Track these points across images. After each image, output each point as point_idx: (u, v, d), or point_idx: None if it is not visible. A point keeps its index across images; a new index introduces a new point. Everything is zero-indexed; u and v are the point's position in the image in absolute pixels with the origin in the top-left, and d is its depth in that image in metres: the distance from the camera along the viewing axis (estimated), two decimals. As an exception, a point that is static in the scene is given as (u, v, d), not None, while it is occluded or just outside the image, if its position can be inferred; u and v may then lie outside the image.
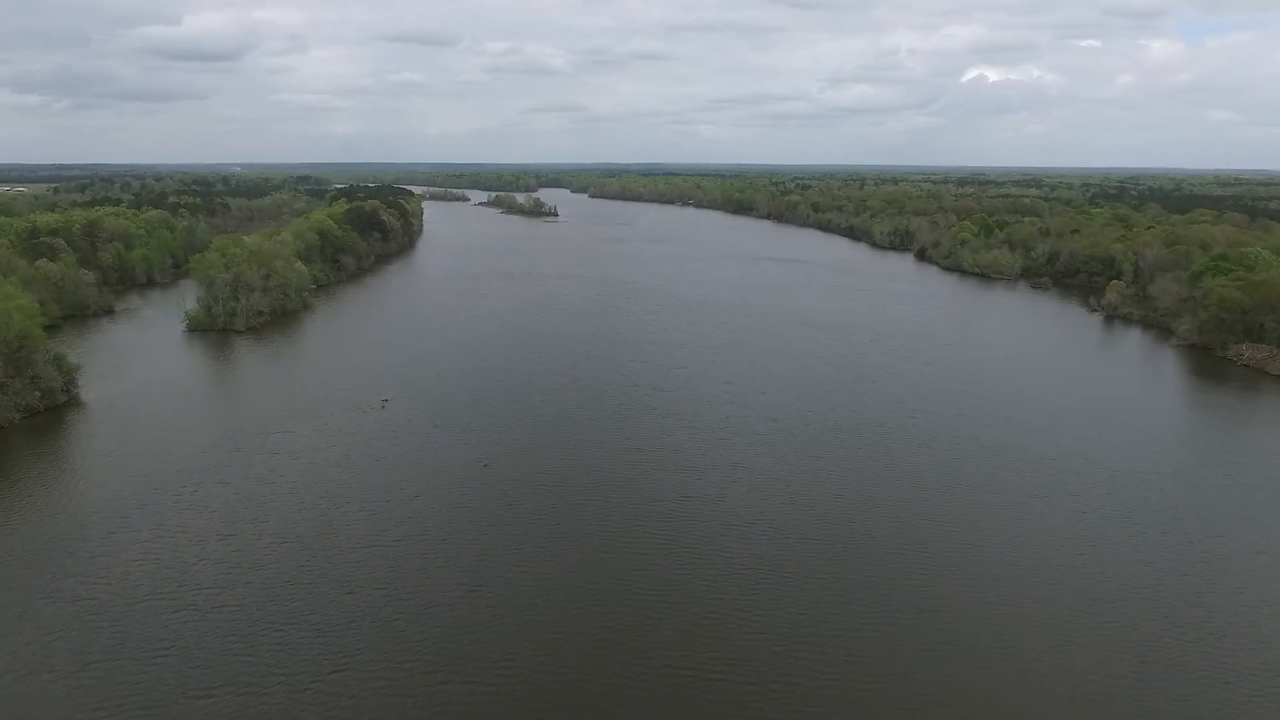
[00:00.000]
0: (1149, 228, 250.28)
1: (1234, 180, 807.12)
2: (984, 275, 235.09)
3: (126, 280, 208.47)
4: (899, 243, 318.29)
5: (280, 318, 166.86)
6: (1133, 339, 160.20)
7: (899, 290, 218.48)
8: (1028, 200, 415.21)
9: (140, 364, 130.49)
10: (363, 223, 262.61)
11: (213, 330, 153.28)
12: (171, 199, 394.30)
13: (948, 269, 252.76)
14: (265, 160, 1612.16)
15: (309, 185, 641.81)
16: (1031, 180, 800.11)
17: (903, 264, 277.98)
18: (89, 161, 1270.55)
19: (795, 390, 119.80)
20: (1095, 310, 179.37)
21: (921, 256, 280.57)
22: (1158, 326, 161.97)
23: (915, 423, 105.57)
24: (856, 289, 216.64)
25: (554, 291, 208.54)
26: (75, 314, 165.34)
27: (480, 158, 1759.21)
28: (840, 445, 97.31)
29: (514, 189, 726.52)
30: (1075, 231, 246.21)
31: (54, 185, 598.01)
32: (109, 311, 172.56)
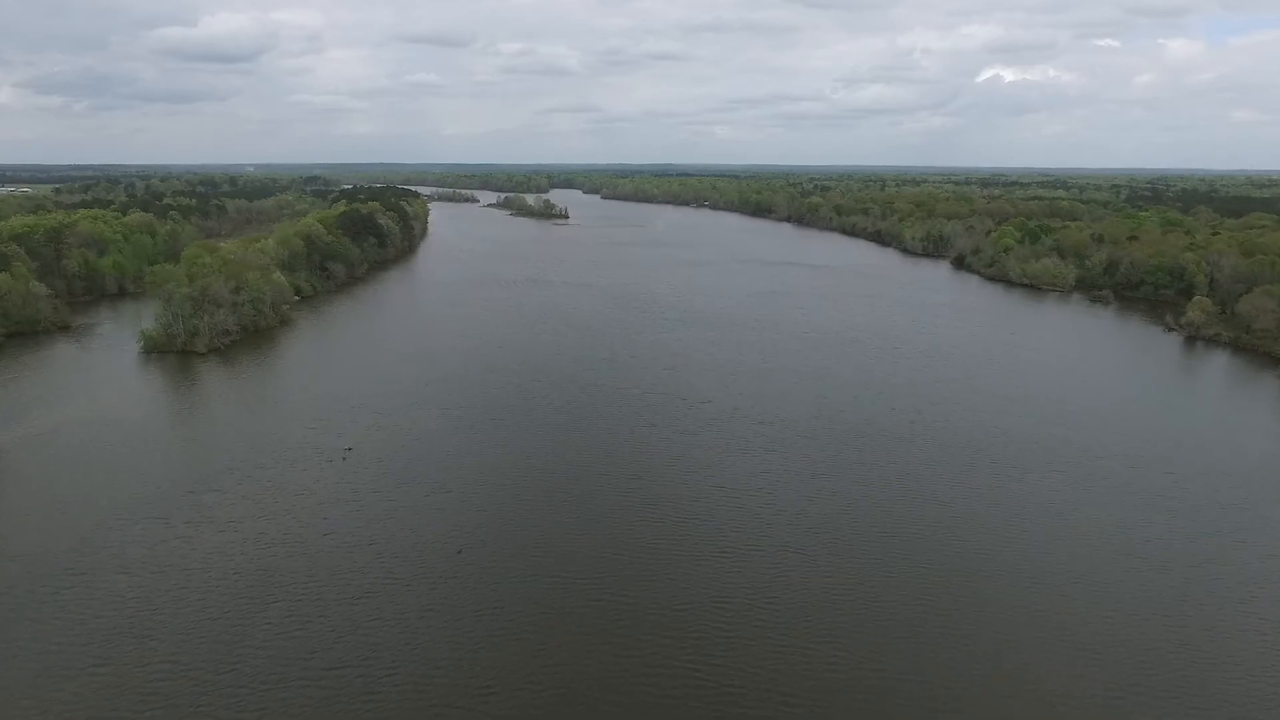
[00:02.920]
0: (1214, 234, 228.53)
1: (1268, 181, 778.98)
2: (1033, 286, 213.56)
3: (95, 290, 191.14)
4: (932, 249, 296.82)
5: (252, 336, 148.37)
6: (1227, 366, 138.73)
7: (941, 303, 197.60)
8: (1065, 203, 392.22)
9: (75, 395, 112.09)
10: (357, 227, 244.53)
11: (171, 352, 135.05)
12: (166, 200, 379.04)
13: (991, 279, 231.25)
14: (284, 161, 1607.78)
15: (317, 186, 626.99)
16: (1056, 181, 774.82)
17: (939, 272, 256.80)
18: (110, 163, 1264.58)
19: (845, 434, 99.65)
20: (1173, 329, 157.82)
21: (960, 264, 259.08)
22: (1252, 351, 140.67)
23: (1003, 485, 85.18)
24: (894, 301, 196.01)
25: (561, 303, 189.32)
26: (25, 330, 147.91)
27: (496, 158, 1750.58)
28: (916, 521, 77.06)
29: (525, 190, 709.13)
30: (1133, 238, 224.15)
31: (57, 186, 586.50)
32: (64, 328, 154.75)
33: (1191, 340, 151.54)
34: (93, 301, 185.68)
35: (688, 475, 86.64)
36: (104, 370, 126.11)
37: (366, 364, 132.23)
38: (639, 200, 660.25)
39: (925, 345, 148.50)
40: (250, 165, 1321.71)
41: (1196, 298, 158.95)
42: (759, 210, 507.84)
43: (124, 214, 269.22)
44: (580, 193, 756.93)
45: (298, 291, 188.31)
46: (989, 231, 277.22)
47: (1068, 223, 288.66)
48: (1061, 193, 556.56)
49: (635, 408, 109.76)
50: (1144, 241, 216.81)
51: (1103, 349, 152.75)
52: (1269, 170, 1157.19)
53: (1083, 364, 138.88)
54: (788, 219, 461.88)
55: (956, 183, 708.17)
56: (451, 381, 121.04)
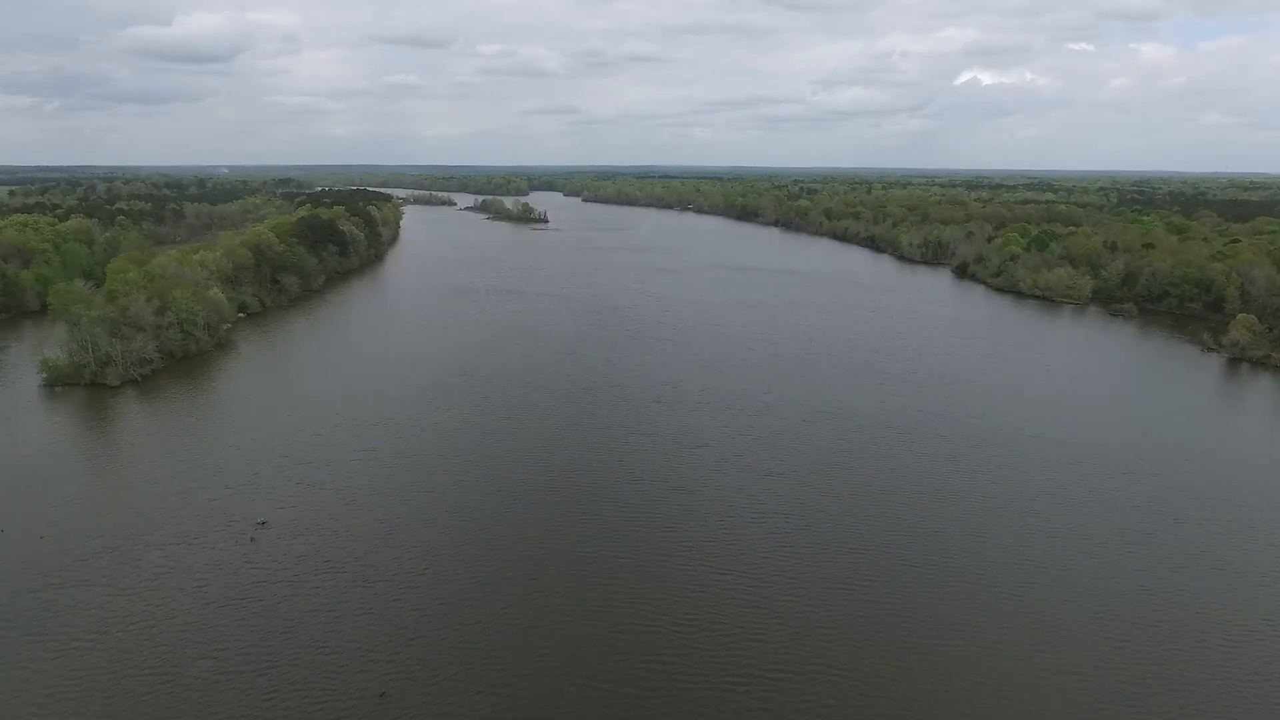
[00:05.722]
0: (1233, 241, 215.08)
1: (1251, 184, 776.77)
2: (1046, 298, 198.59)
3: (14, 307, 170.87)
4: (930, 256, 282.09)
5: (180, 364, 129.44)
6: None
7: (950, 318, 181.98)
8: (1063, 207, 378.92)
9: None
10: (316, 234, 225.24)
11: (79, 384, 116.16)
12: (118, 204, 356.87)
13: (999, 289, 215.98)
14: (263, 162, 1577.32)
15: (290, 189, 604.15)
16: (1041, 184, 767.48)
17: (941, 282, 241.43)
18: (81, 164, 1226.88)
19: (872, 492, 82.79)
20: (1212, 349, 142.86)
21: (963, 273, 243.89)
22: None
23: (1074, 564, 68.47)
24: (900, 316, 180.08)
25: (536, 319, 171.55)
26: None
27: (476, 160, 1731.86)
28: (980, 616, 60.22)
29: (504, 192, 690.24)
30: (1148, 246, 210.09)
31: (13, 189, 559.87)
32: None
33: (1235, 362, 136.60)
34: (9, 320, 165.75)
35: (685, 553, 69.44)
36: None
37: (304, 399, 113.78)
38: (621, 203, 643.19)
39: (944, 371, 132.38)
40: (225, 167, 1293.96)
41: (1240, 315, 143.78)
42: (745, 214, 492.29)
43: (63, 220, 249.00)
44: (561, 195, 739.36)
45: (243, 308, 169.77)
46: (991, 238, 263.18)
47: (1072, 228, 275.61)
48: (1050, 195, 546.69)
49: (619, 455, 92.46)
50: (1162, 250, 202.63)
51: (1143, 376, 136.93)
52: (1238, 173, 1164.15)
53: (1127, 395, 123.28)
54: (775, 223, 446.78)
55: (941, 185, 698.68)
56: (400, 423, 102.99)
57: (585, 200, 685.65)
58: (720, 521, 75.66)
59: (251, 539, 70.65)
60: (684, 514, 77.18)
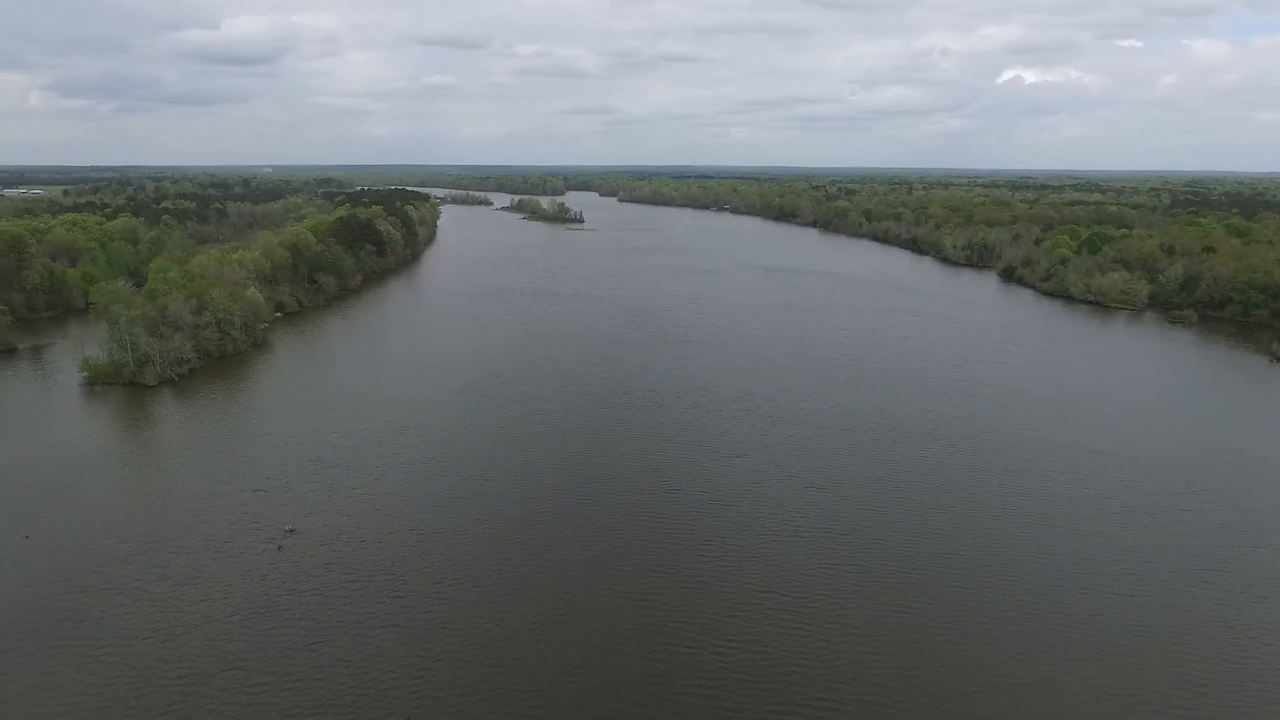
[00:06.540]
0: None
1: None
2: (1099, 303, 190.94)
3: (60, 305, 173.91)
4: (975, 258, 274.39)
5: (216, 364, 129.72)
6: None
7: (1001, 323, 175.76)
8: (1114, 209, 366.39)
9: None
10: (353, 234, 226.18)
11: (118, 383, 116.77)
12: (164, 204, 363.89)
13: (1048, 294, 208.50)
14: (303, 163, 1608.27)
15: (331, 188, 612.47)
16: (1090, 184, 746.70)
17: (987, 285, 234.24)
18: (131, 164, 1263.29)
19: (920, 508, 78.68)
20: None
21: (1009, 276, 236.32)
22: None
23: (1145, 594, 63.90)
24: (945, 321, 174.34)
25: (570, 321, 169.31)
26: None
27: (511, 160, 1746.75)
28: (1049, 652, 56.23)
29: (540, 192, 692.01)
30: (1209, 249, 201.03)
31: (66, 188, 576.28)
32: (9, 350, 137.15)
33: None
34: (57, 317, 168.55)
35: (725, 570, 66.33)
36: (29, 408, 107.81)
37: (338, 401, 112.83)
38: (656, 203, 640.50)
39: (994, 379, 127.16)
40: (269, 167, 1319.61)
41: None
42: (782, 215, 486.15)
43: (111, 219, 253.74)
44: (597, 195, 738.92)
45: (280, 307, 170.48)
46: (1039, 240, 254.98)
47: (1124, 230, 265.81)
48: (1099, 196, 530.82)
49: (654, 463, 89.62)
50: (1223, 253, 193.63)
51: (1207, 387, 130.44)
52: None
53: (1190, 408, 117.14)
54: (813, 224, 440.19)
55: (984, 185, 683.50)
56: (433, 426, 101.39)
57: (621, 200, 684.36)
58: (761, 537, 72.41)
59: (279, 547, 69.14)
60: (724, 528, 74.08)
